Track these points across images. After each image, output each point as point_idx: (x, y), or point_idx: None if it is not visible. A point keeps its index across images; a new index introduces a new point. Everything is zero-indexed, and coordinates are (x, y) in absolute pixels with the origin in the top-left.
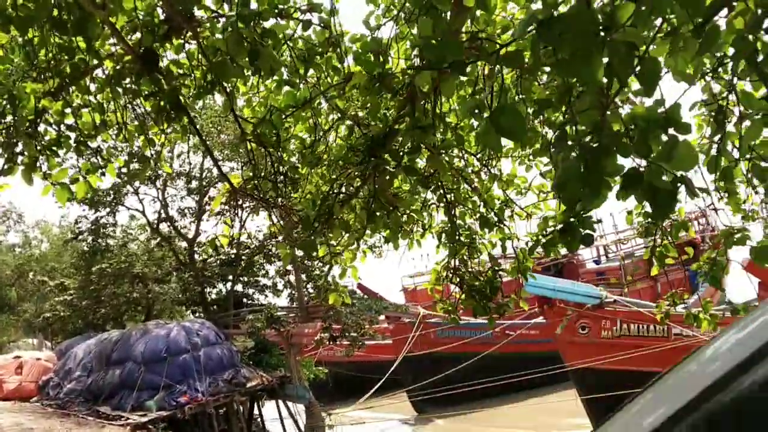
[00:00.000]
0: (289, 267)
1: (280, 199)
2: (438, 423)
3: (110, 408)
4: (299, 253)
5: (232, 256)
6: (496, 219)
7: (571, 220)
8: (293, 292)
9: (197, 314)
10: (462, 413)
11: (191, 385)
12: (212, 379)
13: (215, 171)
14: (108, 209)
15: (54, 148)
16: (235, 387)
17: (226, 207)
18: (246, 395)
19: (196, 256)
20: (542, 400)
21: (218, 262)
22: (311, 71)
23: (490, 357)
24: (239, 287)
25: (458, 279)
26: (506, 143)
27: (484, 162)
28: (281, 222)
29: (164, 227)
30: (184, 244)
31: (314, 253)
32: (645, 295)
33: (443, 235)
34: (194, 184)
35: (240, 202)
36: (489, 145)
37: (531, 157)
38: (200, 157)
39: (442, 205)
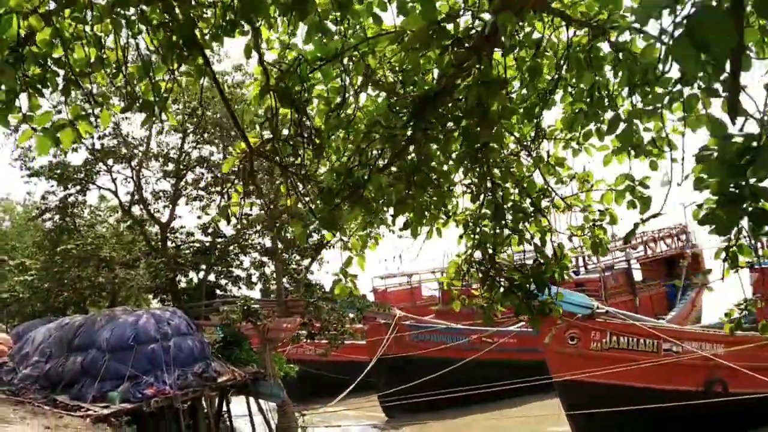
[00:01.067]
0: (265, 258)
1: (300, 166)
2: (406, 430)
3: (69, 397)
4: (278, 242)
5: (207, 244)
6: (531, 209)
7: (733, 190)
8: (268, 285)
9: (166, 303)
10: (433, 421)
11: (159, 376)
12: (181, 372)
13: (194, 154)
14: (78, 187)
15: (38, 86)
16: (205, 381)
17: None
18: (216, 390)
19: (169, 243)
20: (521, 410)
21: (191, 249)
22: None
23: (467, 364)
24: (212, 277)
25: (482, 274)
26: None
27: (525, 142)
28: (299, 192)
29: (136, 210)
30: (155, 228)
31: (333, 231)
32: (624, 309)
33: (469, 223)
34: (171, 166)
35: (222, 187)
36: (683, 65)
37: (581, 140)
38: (179, 139)
39: (473, 188)
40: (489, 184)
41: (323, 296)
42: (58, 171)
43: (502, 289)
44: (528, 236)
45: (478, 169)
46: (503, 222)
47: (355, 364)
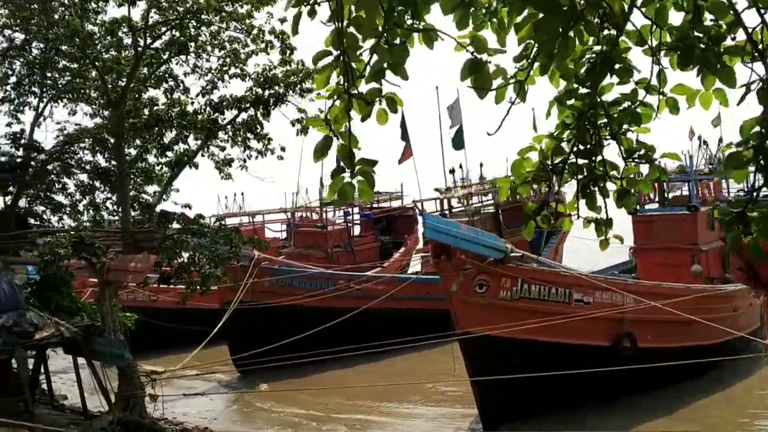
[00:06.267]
0: (97, 183)
1: None
2: (263, 387)
3: None
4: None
5: (18, 159)
6: None
7: None
8: (100, 215)
9: None
10: (297, 378)
11: None
12: None
13: None
14: None
15: None
16: (17, 337)
17: None
18: (32, 349)
19: None
20: (408, 365)
21: None
22: None
23: (337, 312)
24: (24, 203)
25: (586, 171)
26: None
27: None
28: None
29: None
30: None
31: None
32: None
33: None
34: None
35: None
36: None
37: None
38: None
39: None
40: None
41: (186, 229)
42: None
43: None
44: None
45: None
46: None
47: (200, 313)
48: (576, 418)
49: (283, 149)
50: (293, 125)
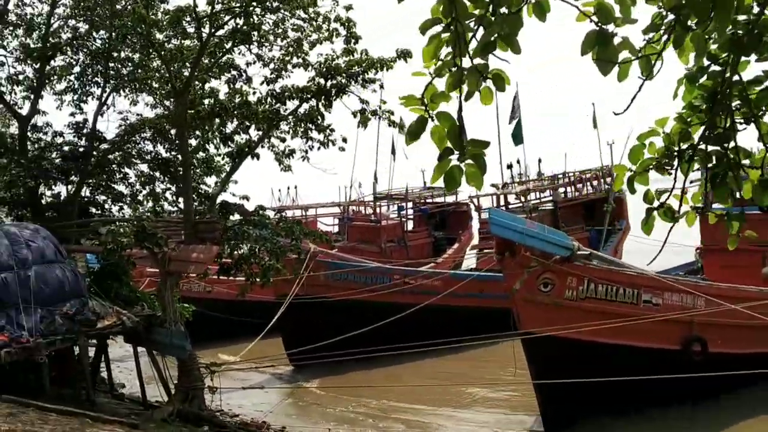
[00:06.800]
0: (157, 174)
1: None
2: (314, 383)
3: None
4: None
5: (81, 149)
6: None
7: None
8: (159, 205)
9: (25, 221)
10: (354, 372)
11: (13, 318)
12: (46, 313)
13: (64, 35)
14: None
15: None
16: (80, 326)
17: None
18: (94, 338)
19: (30, 144)
20: (460, 362)
21: (60, 154)
22: None
23: (392, 308)
24: (85, 192)
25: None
26: None
27: None
28: None
29: None
30: (13, 129)
31: None
32: None
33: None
34: (35, 42)
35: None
36: None
37: None
38: (44, 12)
39: None
40: None
41: (248, 220)
42: None
43: None
44: None
45: None
46: None
47: (255, 305)
48: (638, 422)
49: (344, 140)
50: (355, 116)
